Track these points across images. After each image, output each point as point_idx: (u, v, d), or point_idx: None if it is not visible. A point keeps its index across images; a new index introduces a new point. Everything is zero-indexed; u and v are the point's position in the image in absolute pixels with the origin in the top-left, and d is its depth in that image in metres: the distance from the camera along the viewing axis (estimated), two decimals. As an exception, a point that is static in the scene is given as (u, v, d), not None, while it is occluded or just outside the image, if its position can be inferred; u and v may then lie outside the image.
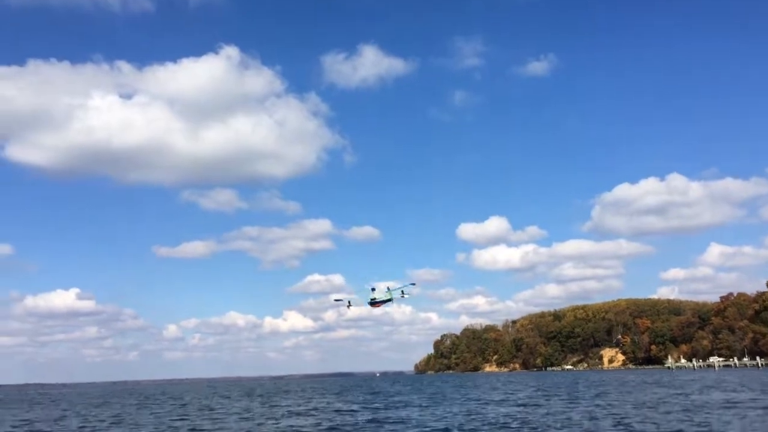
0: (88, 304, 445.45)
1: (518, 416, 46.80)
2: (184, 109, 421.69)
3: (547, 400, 65.16)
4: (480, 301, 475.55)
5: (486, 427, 39.81)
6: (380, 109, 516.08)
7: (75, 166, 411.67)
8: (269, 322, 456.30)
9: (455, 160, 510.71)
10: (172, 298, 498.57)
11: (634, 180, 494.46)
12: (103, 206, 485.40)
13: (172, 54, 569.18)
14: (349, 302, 43.32)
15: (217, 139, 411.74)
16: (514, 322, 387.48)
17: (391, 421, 46.11)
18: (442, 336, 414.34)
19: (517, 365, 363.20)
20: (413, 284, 45.02)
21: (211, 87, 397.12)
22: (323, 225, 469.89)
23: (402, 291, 43.33)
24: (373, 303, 43.04)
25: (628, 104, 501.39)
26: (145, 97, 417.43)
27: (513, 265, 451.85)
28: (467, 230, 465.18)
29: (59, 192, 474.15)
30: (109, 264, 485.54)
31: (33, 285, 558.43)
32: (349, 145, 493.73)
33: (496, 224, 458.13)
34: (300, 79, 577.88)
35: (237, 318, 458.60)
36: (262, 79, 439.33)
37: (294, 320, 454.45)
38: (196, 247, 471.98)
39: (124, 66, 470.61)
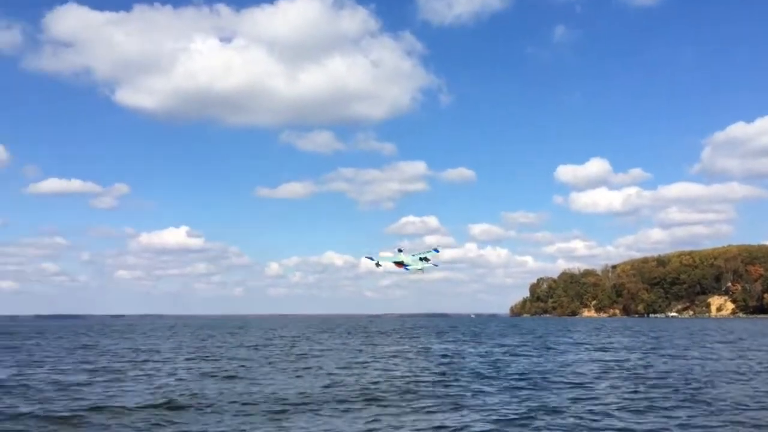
0: (197, 242, 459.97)
1: (664, 367, 39.06)
2: (282, 51, 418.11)
3: (686, 350, 56.69)
4: (578, 245, 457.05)
5: (636, 379, 32.48)
6: (476, 47, 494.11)
7: (181, 108, 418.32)
8: (365, 262, 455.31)
9: (554, 99, 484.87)
10: (273, 238, 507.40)
11: (749, 119, 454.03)
12: (208, 148, 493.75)
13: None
14: (377, 262, 42.40)
15: (314, 80, 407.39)
16: (614, 266, 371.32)
17: (515, 373, 39.31)
18: (538, 279, 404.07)
19: (617, 311, 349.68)
20: (437, 250, 43.04)
21: (307, 28, 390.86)
22: (418, 166, 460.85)
23: (426, 259, 42.04)
24: (398, 264, 41.77)
25: (746, 35, 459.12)
26: (243, 40, 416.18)
27: (614, 209, 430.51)
28: (566, 172, 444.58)
29: (168, 134, 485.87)
30: (215, 203, 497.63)
31: (147, 222, 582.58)
32: (444, 84, 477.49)
33: (596, 166, 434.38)
34: (394, 17, 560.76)
35: (335, 257, 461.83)
36: (357, 19, 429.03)
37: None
38: (294, 188, 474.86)
39: (223, 9, 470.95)
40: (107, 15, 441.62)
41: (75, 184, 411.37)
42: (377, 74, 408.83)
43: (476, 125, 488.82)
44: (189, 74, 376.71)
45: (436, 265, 42.59)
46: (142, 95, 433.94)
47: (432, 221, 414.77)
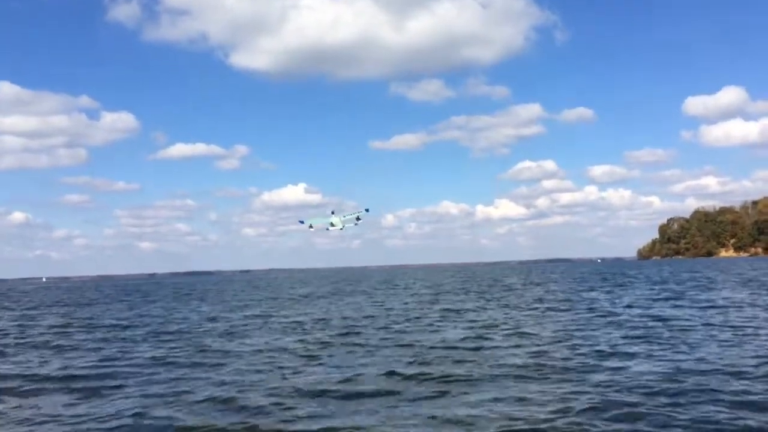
0: (315, 197, 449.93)
1: None
2: (389, 0, 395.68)
3: None
4: (710, 182, 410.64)
5: None
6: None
7: (293, 66, 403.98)
8: (481, 210, 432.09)
9: (681, 26, 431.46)
10: (388, 190, 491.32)
11: None
12: (320, 104, 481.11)
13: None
14: (310, 225, 43.75)
15: (423, 27, 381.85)
16: (755, 202, 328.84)
17: None
18: (668, 220, 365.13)
19: (759, 249, 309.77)
20: (367, 210, 44.48)
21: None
22: (533, 109, 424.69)
23: (357, 218, 42.85)
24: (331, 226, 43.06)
25: None
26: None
27: (750, 141, 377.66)
28: (695, 104, 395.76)
29: (281, 93, 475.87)
30: (330, 159, 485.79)
31: (268, 181, 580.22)
32: (559, 20, 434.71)
33: (730, 95, 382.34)
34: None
35: (450, 207, 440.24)
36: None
37: (506, 208, 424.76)
38: (407, 140, 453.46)
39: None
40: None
41: (200, 148, 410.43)
42: (487, 15, 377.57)
43: (595, 61, 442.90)
44: (299, 31, 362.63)
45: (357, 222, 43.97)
46: (255, 56, 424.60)
47: (549, 165, 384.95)
